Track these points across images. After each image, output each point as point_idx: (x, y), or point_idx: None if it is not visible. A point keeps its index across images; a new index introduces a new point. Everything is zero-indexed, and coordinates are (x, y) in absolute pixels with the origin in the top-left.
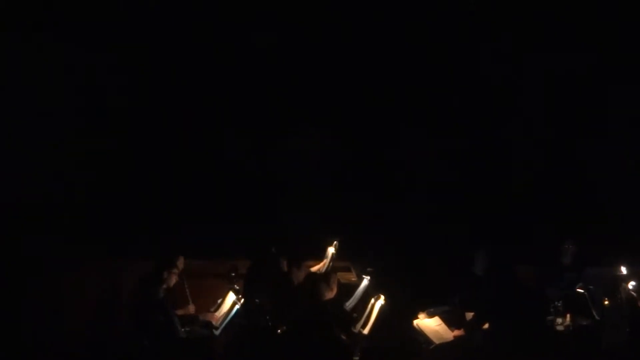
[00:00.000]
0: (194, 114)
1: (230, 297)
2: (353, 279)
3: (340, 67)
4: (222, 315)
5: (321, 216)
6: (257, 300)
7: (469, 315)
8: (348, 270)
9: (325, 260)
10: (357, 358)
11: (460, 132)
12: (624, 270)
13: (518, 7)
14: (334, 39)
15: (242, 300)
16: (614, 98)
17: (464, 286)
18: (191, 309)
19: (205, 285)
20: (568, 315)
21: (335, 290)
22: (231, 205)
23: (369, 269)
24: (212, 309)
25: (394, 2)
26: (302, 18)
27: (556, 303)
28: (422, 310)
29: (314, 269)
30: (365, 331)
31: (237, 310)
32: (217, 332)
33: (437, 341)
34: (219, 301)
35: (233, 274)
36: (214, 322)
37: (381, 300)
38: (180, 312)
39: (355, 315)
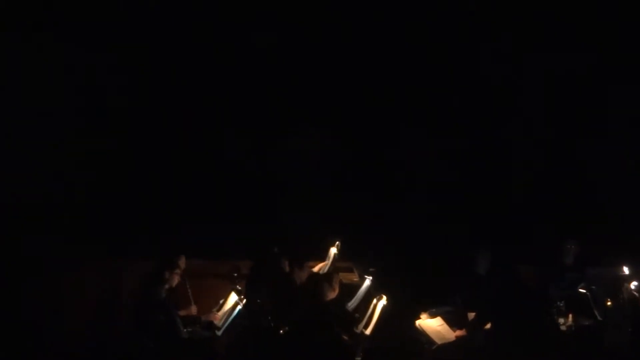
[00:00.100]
0: (194, 114)
1: (233, 297)
2: (355, 280)
3: (340, 67)
4: (224, 316)
5: (321, 216)
6: (259, 301)
7: (471, 315)
8: (350, 270)
9: (327, 261)
10: (359, 358)
11: (460, 132)
12: (626, 270)
13: (518, 7)
14: (334, 39)
15: (244, 300)
16: (614, 98)
17: (465, 286)
18: (193, 310)
19: (207, 285)
20: (570, 316)
21: (337, 291)
22: (231, 205)
23: (371, 269)
24: (215, 310)
25: (394, 2)
26: (302, 18)
27: (558, 303)
28: (424, 311)
29: (316, 269)
30: (368, 331)
31: (239, 310)
32: (219, 333)
33: (439, 341)
34: (221, 301)
35: (235, 275)
36: (215, 322)
37: (383, 301)
38: (182, 312)
39: (357, 315)
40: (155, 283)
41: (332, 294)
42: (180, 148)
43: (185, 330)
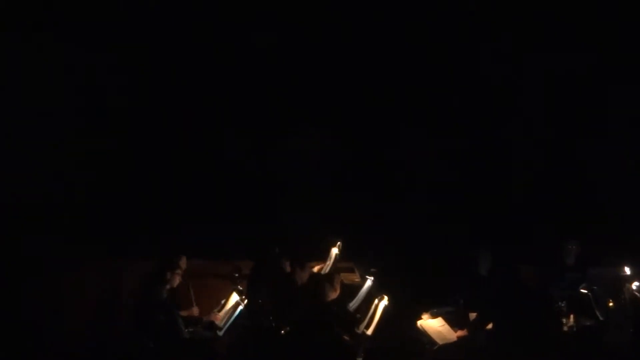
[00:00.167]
0: (194, 114)
1: (234, 297)
2: (356, 280)
3: (340, 67)
4: (225, 316)
5: (321, 216)
6: (260, 301)
7: (473, 315)
8: (351, 271)
9: (328, 261)
10: (361, 359)
11: (460, 132)
12: (627, 270)
13: (518, 7)
14: (334, 39)
15: (246, 301)
16: (614, 98)
17: (466, 286)
18: (195, 310)
19: (209, 286)
20: (571, 316)
21: (338, 291)
22: (231, 205)
23: (372, 270)
24: (216, 310)
25: (394, 2)
26: (302, 18)
27: (559, 303)
28: (426, 311)
29: (316, 269)
30: (369, 332)
31: (241, 311)
32: (220, 333)
33: (440, 342)
34: (223, 302)
35: (236, 275)
36: (217, 322)
37: (384, 301)
38: (183, 313)
39: (358, 315)
40: (156, 283)
41: (334, 294)
42: (180, 148)
43: (186, 330)
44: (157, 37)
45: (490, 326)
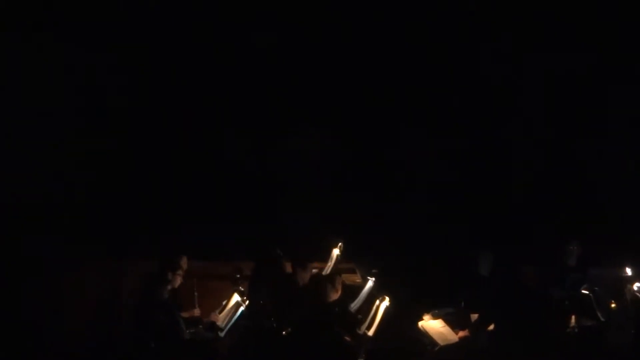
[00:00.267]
0: (194, 114)
1: (235, 298)
2: (358, 281)
3: (340, 67)
4: (226, 317)
5: (322, 216)
6: (261, 302)
7: (474, 316)
8: (353, 271)
9: (329, 262)
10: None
11: (460, 132)
12: (628, 271)
13: (518, 7)
14: (334, 39)
15: (247, 301)
16: (614, 98)
17: (468, 287)
18: (196, 311)
19: (210, 287)
20: (573, 317)
21: (340, 292)
22: (232, 205)
23: (373, 271)
24: (217, 311)
25: (394, 2)
26: (302, 18)
27: (562, 303)
28: (427, 312)
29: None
30: (370, 333)
31: (242, 311)
32: (221, 334)
33: (442, 343)
34: (224, 303)
35: (238, 276)
36: (218, 323)
37: (386, 302)
38: (185, 314)
39: (359, 316)
40: (157, 284)
41: (335, 295)
42: (180, 148)
43: (187, 331)
44: (157, 37)
45: (491, 327)
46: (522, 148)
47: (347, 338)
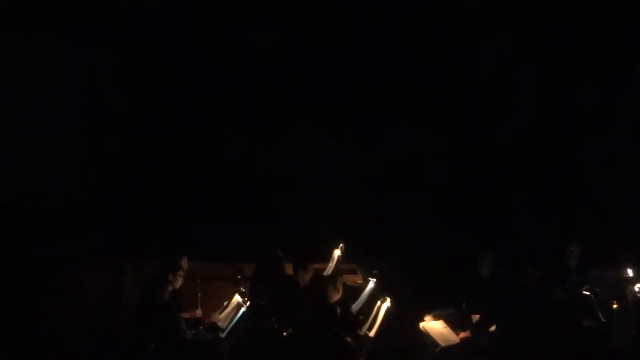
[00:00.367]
0: (194, 114)
1: (236, 299)
2: (359, 282)
3: (340, 67)
4: (227, 318)
5: (322, 217)
6: (262, 303)
7: (475, 317)
8: (354, 272)
9: (330, 263)
10: None
11: (460, 131)
12: (630, 272)
13: (518, 7)
14: (334, 39)
15: (248, 302)
16: (614, 98)
17: (468, 288)
18: (198, 312)
19: (211, 288)
20: (574, 318)
21: (341, 293)
22: (232, 206)
23: (374, 272)
24: (218, 312)
25: (394, 2)
26: (302, 18)
27: (562, 305)
28: (428, 313)
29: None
30: (371, 334)
31: (243, 312)
32: (222, 335)
33: (443, 343)
34: (225, 303)
35: (239, 277)
36: (219, 324)
37: (387, 303)
38: (186, 315)
39: (361, 317)
40: (158, 285)
41: (336, 296)
42: (180, 148)
43: (189, 332)
44: (157, 37)
45: (492, 328)
46: (522, 148)
47: (348, 339)
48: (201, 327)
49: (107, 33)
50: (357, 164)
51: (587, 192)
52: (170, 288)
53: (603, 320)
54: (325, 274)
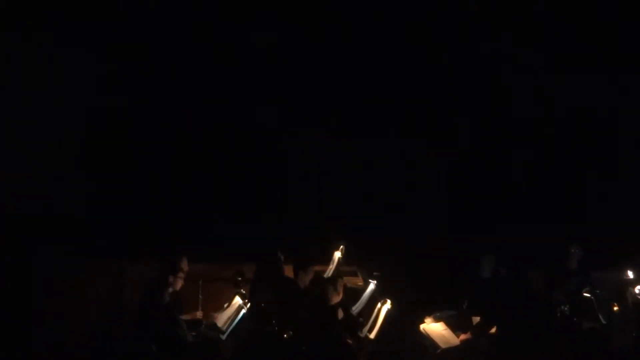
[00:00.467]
0: (195, 115)
1: (237, 301)
2: (359, 283)
3: (340, 67)
4: (228, 319)
5: (323, 218)
6: (263, 305)
7: (476, 319)
8: (354, 274)
9: (331, 265)
10: None
11: (461, 132)
12: (630, 274)
13: (518, 7)
14: (334, 39)
15: (248, 304)
16: (614, 97)
17: (469, 290)
18: (198, 314)
19: (212, 289)
20: (575, 320)
21: (341, 295)
22: (232, 207)
23: (375, 273)
24: (217, 313)
25: (394, 2)
26: (302, 18)
27: (562, 307)
28: (428, 315)
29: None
30: (372, 335)
31: (244, 314)
32: (223, 337)
33: (443, 345)
34: (226, 305)
35: (239, 278)
36: (219, 325)
37: (387, 305)
38: (187, 316)
39: (361, 319)
40: (159, 287)
41: (337, 298)
42: (181, 150)
43: (190, 334)
44: (157, 37)
45: (493, 330)
46: (523, 150)
47: (349, 341)
48: (202, 327)
49: (107, 33)
50: (357, 164)
51: (588, 193)
52: (170, 290)
53: (603, 322)
54: (325, 276)
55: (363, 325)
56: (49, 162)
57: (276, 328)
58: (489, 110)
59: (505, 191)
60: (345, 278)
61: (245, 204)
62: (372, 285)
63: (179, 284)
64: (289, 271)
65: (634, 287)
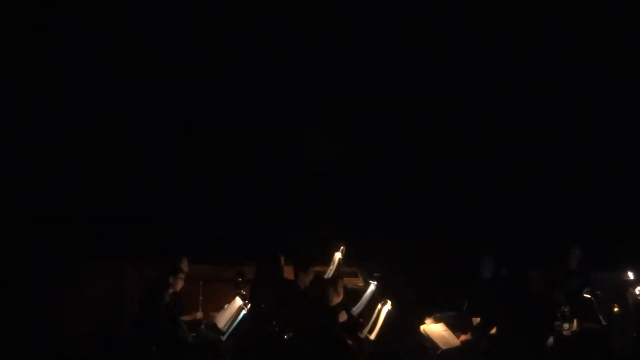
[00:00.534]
0: (195, 115)
1: (237, 302)
2: (360, 284)
3: (340, 67)
4: (228, 320)
5: (322, 216)
6: (263, 305)
7: (476, 320)
8: (355, 275)
9: (331, 265)
10: None
11: (461, 133)
12: (630, 275)
13: (518, 7)
14: (334, 39)
15: (249, 305)
16: (614, 97)
17: (470, 291)
18: (199, 315)
19: (212, 290)
20: (575, 321)
21: (342, 295)
22: (232, 208)
23: (375, 274)
24: (216, 313)
25: (394, 2)
26: (302, 18)
27: (563, 308)
28: (429, 316)
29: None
30: (372, 336)
31: (244, 315)
32: (223, 338)
33: (443, 346)
34: (226, 306)
35: (239, 279)
36: (219, 326)
37: (388, 306)
38: (187, 317)
39: (361, 320)
40: (159, 288)
41: (337, 299)
42: (181, 150)
43: (190, 334)
44: (157, 37)
45: (493, 331)
46: (523, 150)
47: (349, 342)
48: (202, 326)
49: (107, 33)
50: (357, 164)
51: (588, 194)
52: (170, 290)
53: (604, 322)
54: (326, 276)
55: (363, 326)
56: (49, 162)
57: (276, 329)
58: (489, 111)
59: (505, 191)
60: (345, 279)
61: (245, 204)
62: (372, 286)
63: (179, 285)
64: (289, 272)
65: (634, 287)
